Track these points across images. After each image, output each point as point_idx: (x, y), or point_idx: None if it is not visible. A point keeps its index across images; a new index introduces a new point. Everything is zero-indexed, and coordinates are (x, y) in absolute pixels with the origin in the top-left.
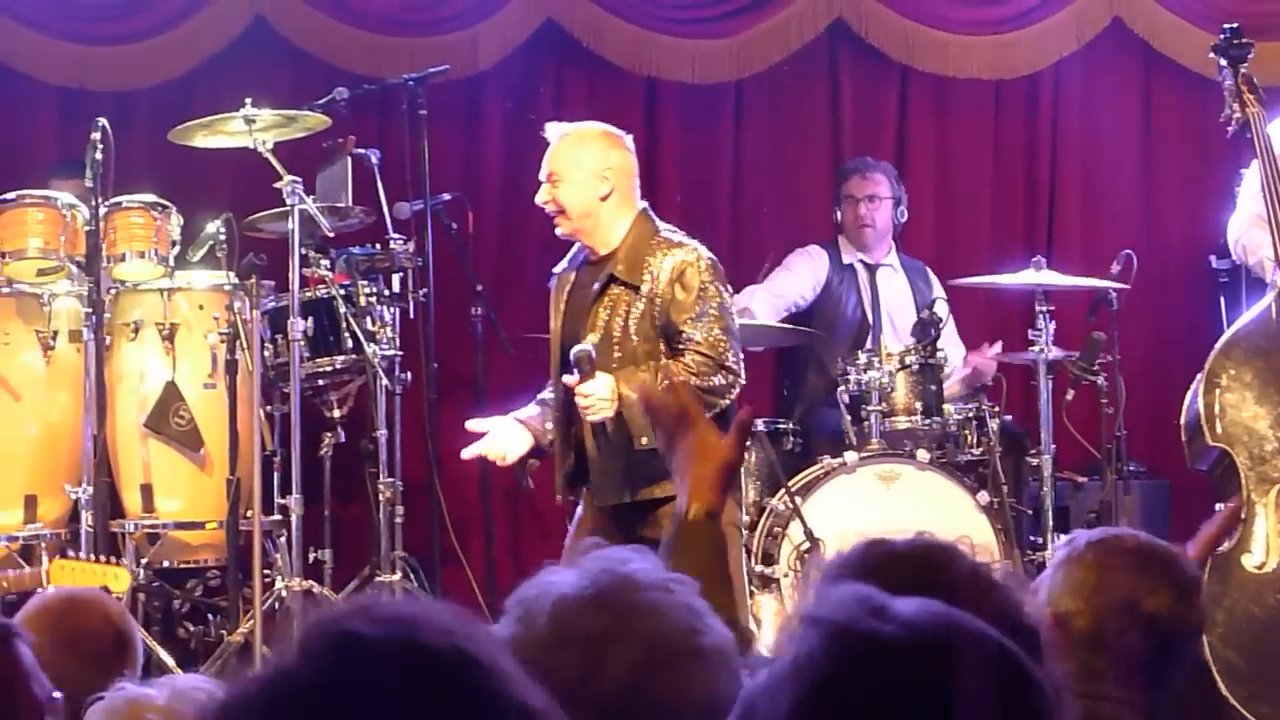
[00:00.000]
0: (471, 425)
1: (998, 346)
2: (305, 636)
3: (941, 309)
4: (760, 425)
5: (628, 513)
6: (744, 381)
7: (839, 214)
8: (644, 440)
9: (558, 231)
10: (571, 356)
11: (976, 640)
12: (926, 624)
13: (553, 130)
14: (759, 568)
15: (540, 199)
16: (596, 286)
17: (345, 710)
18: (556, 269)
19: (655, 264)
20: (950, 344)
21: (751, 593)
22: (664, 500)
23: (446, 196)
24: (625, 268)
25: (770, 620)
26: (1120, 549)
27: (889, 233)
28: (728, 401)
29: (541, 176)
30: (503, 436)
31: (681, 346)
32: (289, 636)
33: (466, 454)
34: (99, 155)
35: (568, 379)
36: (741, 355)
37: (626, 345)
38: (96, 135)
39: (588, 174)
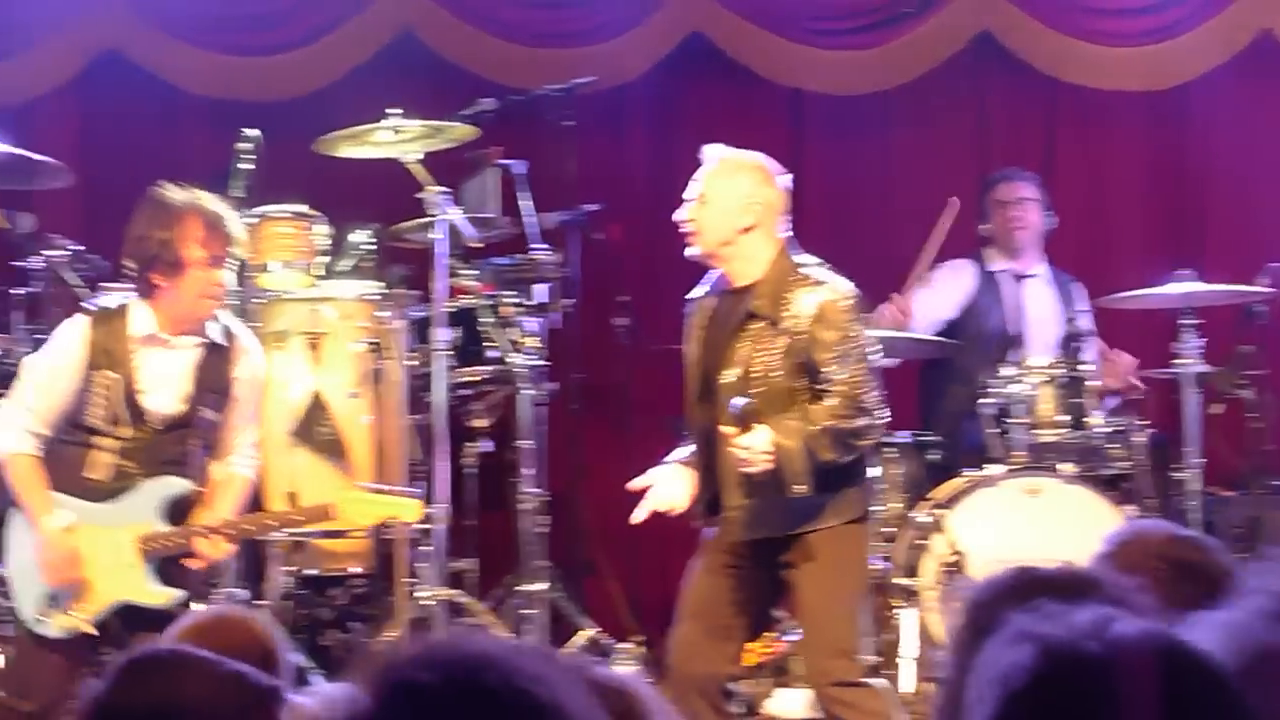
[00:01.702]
0: (633, 485)
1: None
2: (372, 683)
3: (1086, 322)
4: (905, 436)
5: (769, 544)
6: (886, 419)
7: (986, 224)
8: (796, 489)
9: (688, 253)
10: (731, 408)
11: (1190, 663)
12: (1135, 644)
13: (710, 152)
14: (901, 580)
15: (681, 215)
16: (737, 320)
17: None
18: (693, 294)
19: (797, 301)
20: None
21: (892, 605)
22: (809, 533)
23: (591, 207)
24: (767, 303)
25: (911, 632)
26: (1140, 557)
27: (1040, 238)
28: (870, 442)
29: (688, 195)
30: (669, 487)
31: (823, 387)
32: (361, 680)
33: (636, 518)
34: (248, 165)
35: (726, 429)
36: (880, 394)
37: (768, 382)
38: (245, 146)
39: (735, 203)
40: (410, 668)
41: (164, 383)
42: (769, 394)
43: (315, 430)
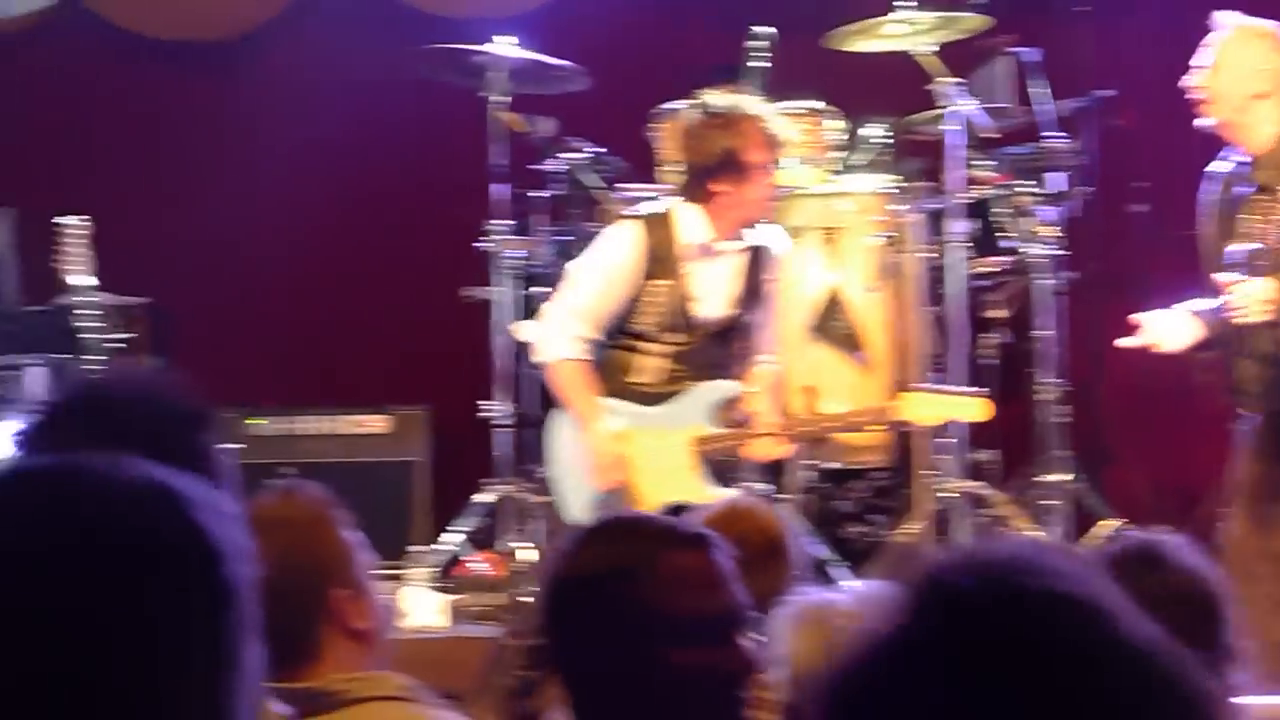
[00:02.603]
0: (1136, 319)
1: None
2: (906, 588)
3: None
4: None
5: None
6: None
7: None
8: None
9: (1196, 121)
10: (1229, 257)
11: None
12: None
13: (1224, 19)
14: None
15: (1191, 81)
16: (1245, 191)
17: (944, 669)
18: (1210, 168)
19: None
20: None
21: None
22: None
23: (1106, 93)
24: (1272, 174)
25: None
26: None
27: None
28: None
29: (1199, 62)
30: (1162, 325)
31: None
32: (891, 579)
33: (1121, 343)
34: (760, 63)
35: (1224, 276)
36: None
37: (1273, 256)
38: (757, 43)
39: (1247, 70)
40: (946, 572)
41: (713, 288)
42: (1274, 268)
43: (832, 325)
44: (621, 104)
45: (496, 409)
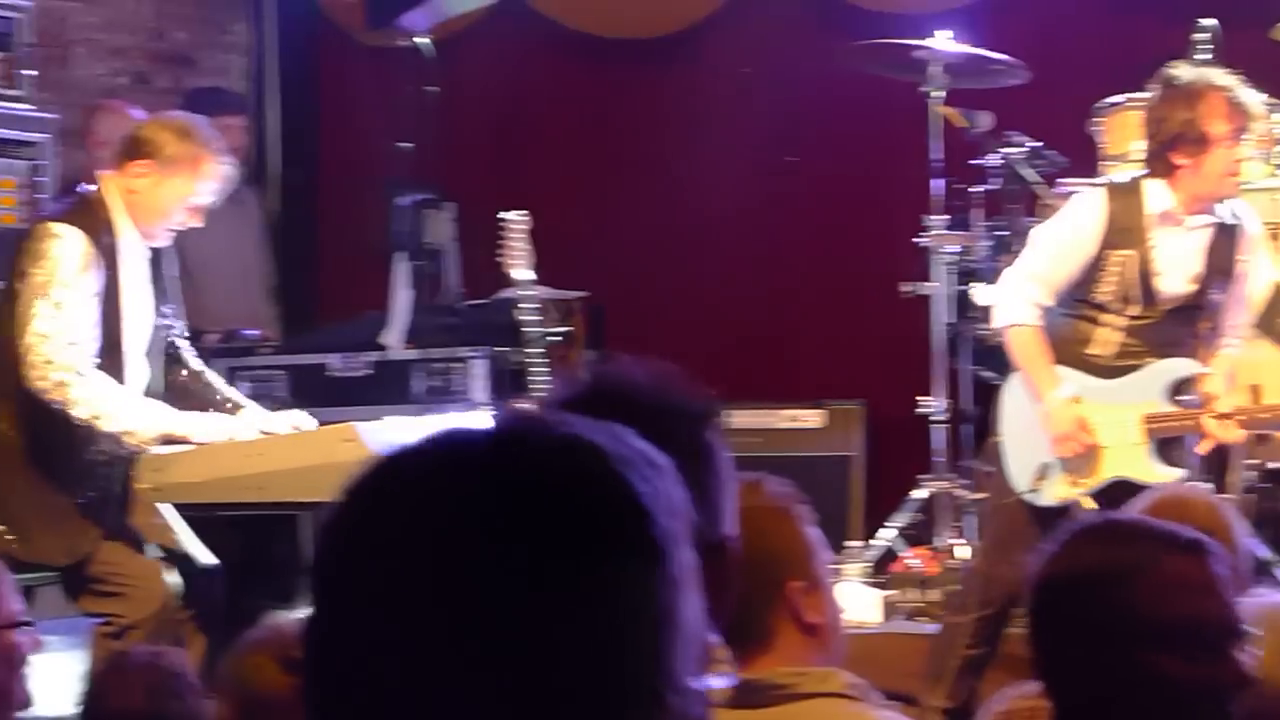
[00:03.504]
0: None
1: None
2: None
3: None
4: None
5: None
6: None
7: None
8: None
9: None
10: None
11: None
12: None
13: None
14: None
15: None
16: None
17: None
18: None
19: None
20: None
21: None
22: None
23: None
24: None
25: None
26: None
27: None
28: None
29: None
30: None
31: None
32: None
33: None
34: (1204, 55)
35: None
36: None
37: None
38: (1201, 35)
39: None
40: None
41: (1176, 263)
42: None
43: (1275, 322)
44: (1061, 98)
45: (934, 405)
